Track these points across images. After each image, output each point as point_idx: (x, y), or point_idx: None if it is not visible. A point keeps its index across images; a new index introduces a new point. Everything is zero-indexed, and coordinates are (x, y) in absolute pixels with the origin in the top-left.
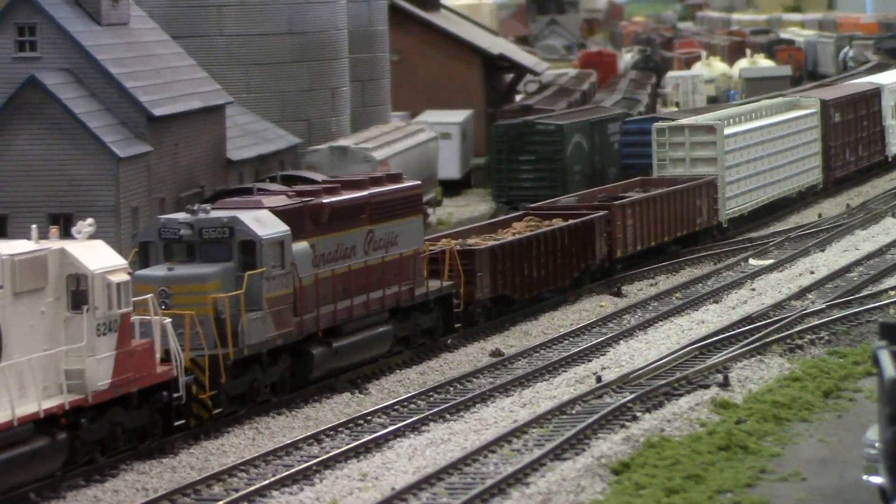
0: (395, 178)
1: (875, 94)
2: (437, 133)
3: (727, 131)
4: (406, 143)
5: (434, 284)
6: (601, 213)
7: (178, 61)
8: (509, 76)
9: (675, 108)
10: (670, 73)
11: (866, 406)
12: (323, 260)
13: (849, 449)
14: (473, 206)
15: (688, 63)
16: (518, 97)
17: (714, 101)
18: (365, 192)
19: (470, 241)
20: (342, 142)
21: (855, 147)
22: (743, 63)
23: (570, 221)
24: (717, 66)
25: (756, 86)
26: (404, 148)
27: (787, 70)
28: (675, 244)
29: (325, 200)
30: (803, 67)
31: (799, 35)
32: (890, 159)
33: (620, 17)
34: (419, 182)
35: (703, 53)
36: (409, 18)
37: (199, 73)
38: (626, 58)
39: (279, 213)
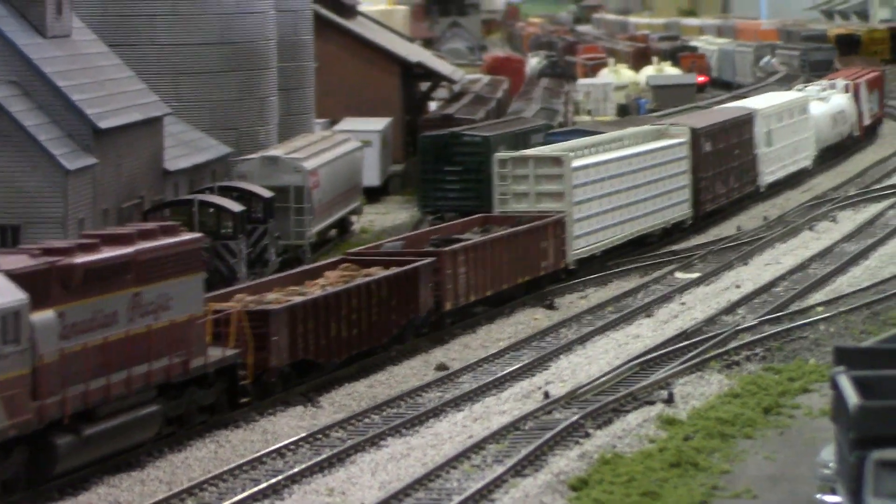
0: (170, 230)
1: (748, 120)
2: (360, 142)
3: (576, 163)
4: (334, 153)
5: (217, 353)
6: (427, 260)
7: (119, 73)
8: (425, 84)
9: (588, 117)
10: (581, 81)
11: (806, 423)
12: (74, 331)
13: (795, 466)
14: (394, 214)
15: (593, 69)
16: (431, 104)
17: (625, 109)
18: (131, 249)
19: (270, 295)
20: (273, 152)
21: (726, 178)
22: (650, 70)
23: (391, 271)
24: (625, 73)
25: (663, 94)
26: (332, 158)
27: (692, 78)
28: (516, 290)
29: (77, 260)
30: (707, 74)
31: (713, 43)
32: (762, 190)
33: (517, 18)
34: (200, 235)
35: (611, 60)
36: (328, 26)
37: (139, 85)
38: (533, 62)
39: (17, 276)
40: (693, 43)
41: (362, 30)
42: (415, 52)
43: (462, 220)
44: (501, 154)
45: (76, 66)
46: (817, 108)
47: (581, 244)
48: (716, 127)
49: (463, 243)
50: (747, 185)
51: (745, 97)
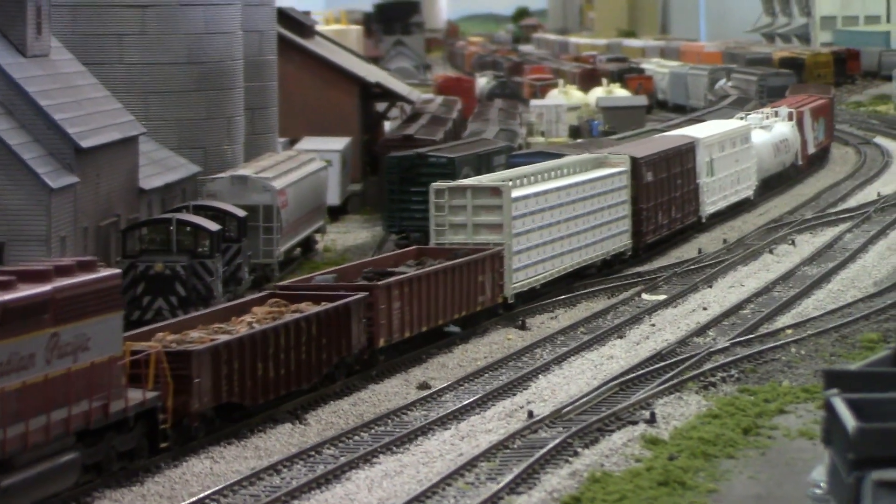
0: (89, 266)
1: (690, 149)
2: (323, 161)
3: (515, 193)
4: (300, 173)
5: (137, 395)
6: (360, 295)
7: (96, 92)
8: (381, 104)
9: (542, 138)
10: (533, 102)
11: (786, 444)
12: None
13: (779, 486)
14: (355, 233)
15: (542, 90)
16: (386, 124)
17: (577, 131)
18: (48, 287)
19: (193, 333)
20: (242, 171)
21: (668, 208)
22: (599, 92)
23: (322, 307)
24: (575, 95)
25: (613, 115)
26: (299, 177)
27: (643, 100)
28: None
29: None
30: (654, 96)
31: (664, 66)
32: (704, 220)
33: (457, 36)
34: (118, 271)
35: (560, 82)
36: (289, 45)
37: (115, 104)
38: (482, 82)
39: None
40: (644, 65)
41: (321, 50)
42: (372, 73)
43: (396, 252)
44: (438, 184)
45: (56, 86)
46: (759, 137)
47: (520, 277)
48: (657, 156)
49: (398, 277)
50: (689, 215)
51: (700, 120)
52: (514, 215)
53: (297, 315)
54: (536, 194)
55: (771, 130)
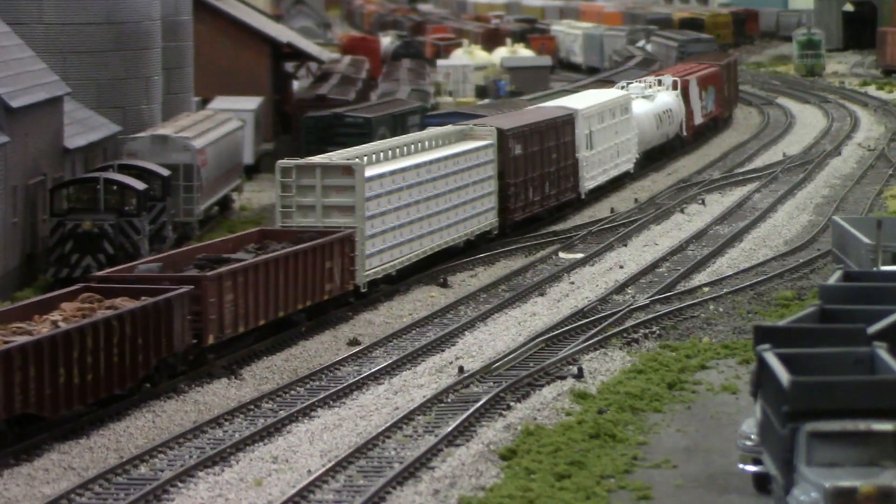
0: None
1: (568, 121)
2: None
3: (369, 172)
4: (218, 132)
5: None
6: (184, 288)
7: (21, 52)
8: (289, 63)
9: (449, 98)
10: (440, 62)
11: (710, 398)
12: None
13: (706, 439)
14: (269, 192)
15: (445, 49)
16: (295, 83)
17: (484, 91)
18: None
19: None
20: (162, 130)
21: (541, 184)
22: (503, 52)
23: (139, 303)
24: (479, 55)
25: (517, 75)
26: (217, 137)
27: (547, 60)
28: (299, 316)
29: None
30: (557, 56)
31: (575, 27)
32: (584, 196)
33: None
34: None
35: (465, 42)
36: (200, 6)
37: (40, 65)
38: (385, 42)
39: None
40: (554, 27)
41: (233, 10)
42: (283, 33)
43: (236, 235)
44: (284, 161)
45: None
46: (641, 107)
47: (374, 263)
48: (527, 128)
49: (231, 266)
50: (567, 191)
51: (610, 82)
52: (367, 196)
53: (109, 312)
54: (393, 172)
55: (653, 100)
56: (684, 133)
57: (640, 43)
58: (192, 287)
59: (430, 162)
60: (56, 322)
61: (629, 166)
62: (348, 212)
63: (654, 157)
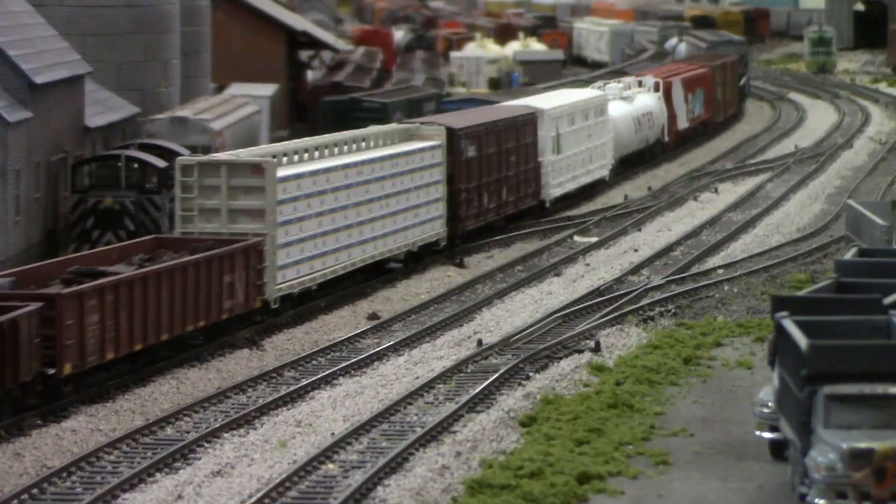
0: None
1: (529, 121)
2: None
3: (283, 172)
4: (237, 115)
5: None
6: (31, 307)
7: (44, 31)
8: (307, 52)
9: (463, 88)
10: (454, 54)
11: (725, 373)
12: None
13: (723, 410)
14: None
15: (458, 43)
16: (309, 73)
17: (496, 82)
18: None
19: None
20: (180, 112)
21: (497, 190)
22: (516, 46)
23: None
24: (492, 48)
25: (530, 68)
26: (235, 120)
27: (559, 54)
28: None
29: None
30: (569, 51)
31: (601, 24)
32: (548, 205)
33: None
34: None
35: (478, 35)
36: None
37: (62, 44)
38: (398, 35)
39: None
40: (577, 24)
41: None
42: (299, 22)
43: (126, 243)
44: (184, 158)
45: (7, 24)
46: (618, 110)
47: (289, 276)
48: (482, 128)
49: (95, 282)
50: (527, 198)
51: (623, 73)
52: (280, 199)
53: None
54: (314, 173)
55: (632, 102)
56: (666, 138)
57: (672, 40)
58: (42, 305)
59: (363, 163)
60: None
61: (603, 173)
62: (258, 216)
63: (631, 164)
